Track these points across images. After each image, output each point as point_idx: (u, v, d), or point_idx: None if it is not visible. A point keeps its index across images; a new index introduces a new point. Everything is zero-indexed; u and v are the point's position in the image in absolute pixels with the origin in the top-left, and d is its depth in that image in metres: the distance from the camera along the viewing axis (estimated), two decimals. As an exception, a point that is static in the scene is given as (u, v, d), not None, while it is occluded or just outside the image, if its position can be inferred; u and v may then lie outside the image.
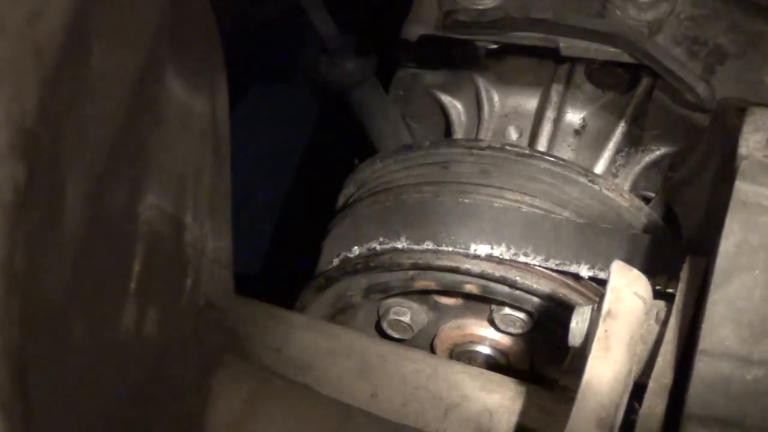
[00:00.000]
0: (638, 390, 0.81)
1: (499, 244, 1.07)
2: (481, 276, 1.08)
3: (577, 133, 1.25)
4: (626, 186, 1.22)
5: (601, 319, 0.79)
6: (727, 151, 0.78)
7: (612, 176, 1.23)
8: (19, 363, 0.55)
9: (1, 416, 0.54)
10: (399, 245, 1.09)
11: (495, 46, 1.17)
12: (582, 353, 0.82)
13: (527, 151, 1.15)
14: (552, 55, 1.15)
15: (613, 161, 1.23)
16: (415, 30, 1.13)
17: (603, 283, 0.88)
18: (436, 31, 1.13)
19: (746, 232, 0.71)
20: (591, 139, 1.24)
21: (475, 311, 1.16)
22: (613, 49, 1.09)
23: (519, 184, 1.13)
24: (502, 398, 1.03)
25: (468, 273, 1.08)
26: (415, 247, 1.09)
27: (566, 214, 1.11)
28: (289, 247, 1.79)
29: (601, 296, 0.81)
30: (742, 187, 0.72)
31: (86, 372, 0.71)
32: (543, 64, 1.25)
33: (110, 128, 0.68)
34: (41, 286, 0.60)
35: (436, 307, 1.17)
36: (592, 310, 0.83)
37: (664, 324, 0.81)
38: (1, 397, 0.54)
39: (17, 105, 0.54)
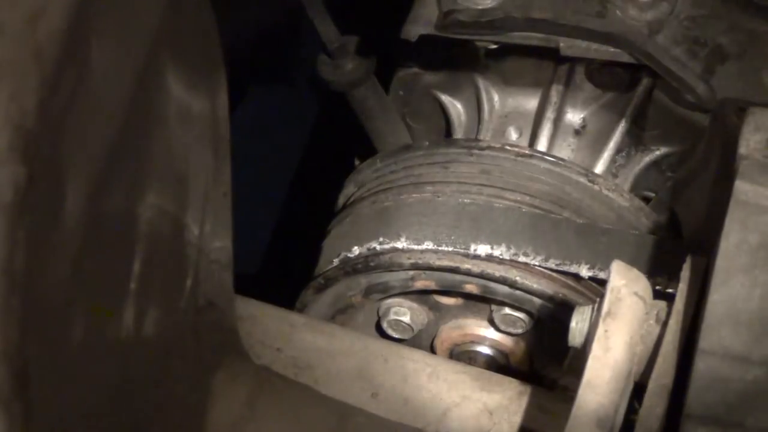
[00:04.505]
0: (638, 390, 0.81)
1: (499, 244, 1.07)
2: (481, 276, 1.08)
3: (577, 133, 1.25)
4: (626, 186, 1.22)
5: (601, 319, 0.79)
6: (727, 151, 0.78)
7: (612, 176, 1.23)
8: (19, 363, 0.55)
9: (1, 416, 0.54)
10: (399, 245, 1.09)
11: (495, 46, 1.17)
12: (582, 353, 0.82)
13: (527, 151, 1.15)
14: (552, 55, 1.15)
15: (613, 161, 1.23)
16: (415, 30, 1.13)
17: (603, 283, 0.88)
18: (436, 31, 1.12)
19: (746, 232, 0.71)
20: (591, 139, 1.24)
21: (475, 311, 1.16)
22: (613, 49, 1.09)
23: (519, 184, 1.13)
24: (502, 398, 1.03)
25: (468, 273, 1.08)
26: (415, 247, 1.09)
27: (566, 214, 1.11)
28: (289, 247, 1.79)
29: (601, 296, 0.81)
30: (742, 187, 0.72)
31: (86, 372, 0.71)
32: (543, 64, 1.24)
33: (110, 128, 0.68)
34: (41, 286, 0.60)
35: (436, 307, 1.17)
36: (592, 310, 0.83)
37: (664, 324, 0.81)
38: (1, 397, 0.54)
39: (17, 105, 0.54)
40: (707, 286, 0.72)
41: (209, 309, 0.94)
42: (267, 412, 0.92)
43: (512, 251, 1.07)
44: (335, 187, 1.28)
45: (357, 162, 1.32)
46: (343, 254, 1.13)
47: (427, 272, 1.10)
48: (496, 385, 1.04)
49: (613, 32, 1.07)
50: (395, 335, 1.17)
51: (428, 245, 1.08)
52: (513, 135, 1.27)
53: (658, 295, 0.84)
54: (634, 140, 1.23)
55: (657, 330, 0.81)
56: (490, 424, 1.01)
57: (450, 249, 1.08)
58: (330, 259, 1.15)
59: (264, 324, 1.07)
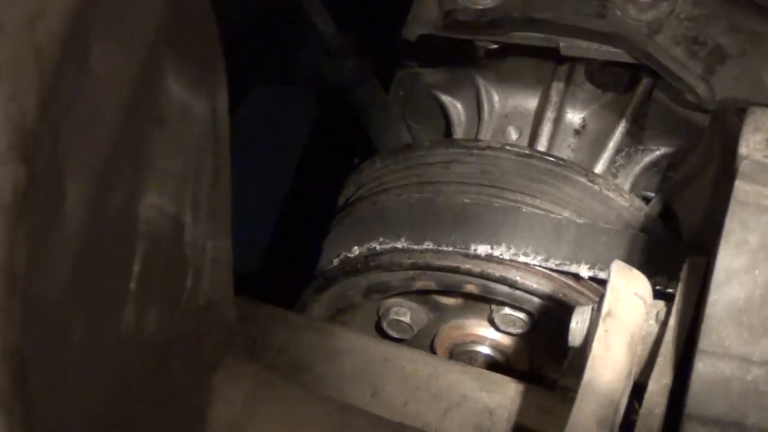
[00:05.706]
0: (638, 390, 0.81)
1: (499, 244, 1.07)
2: (481, 276, 1.08)
3: (577, 133, 1.25)
4: (626, 186, 1.22)
5: (601, 319, 0.79)
6: (727, 151, 0.78)
7: (612, 176, 1.23)
8: (19, 363, 0.55)
9: (1, 416, 0.54)
10: (399, 245, 1.09)
11: (495, 46, 1.17)
12: (582, 353, 0.82)
13: (527, 151, 1.15)
14: (552, 55, 1.15)
15: (613, 161, 1.23)
16: (415, 30, 1.13)
17: (603, 283, 0.88)
18: (436, 31, 1.13)
19: (746, 232, 0.71)
20: (591, 139, 1.24)
21: (475, 311, 1.16)
22: (613, 49, 1.09)
23: (519, 184, 1.13)
24: (502, 398, 1.03)
25: (468, 273, 1.08)
26: (415, 247, 1.09)
27: (566, 214, 1.11)
28: (289, 246, 1.79)
29: (601, 296, 0.81)
30: (742, 187, 0.72)
31: (86, 372, 0.71)
32: (543, 64, 1.25)
33: (110, 128, 0.68)
34: (41, 286, 0.60)
35: (436, 307, 1.17)
36: (592, 310, 0.83)
37: (664, 324, 0.81)
38: (1, 397, 0.54)
39: (17, 105, 0.54)
40: (707, 286, 0.72)
41: (209, 309, 0.94)
42: (266, 412, 0.92)
43: (512, 251, 1.07)
44: (335, 187, 1.28)
45: (357, 162, 1.32)
46: (343, 254, 1.13)
47: (427, 272, 1.10)
48: (496, 385, 1.04)
49: (613, 32, 1.07)
50: (395, 335, 1.17)
51: (428, 245, 1.08)
52: (513, 135, 1.27)
53: (658, 295, 0.84)
54: (634, 140, 1.23)
55: (657, 330, 0.81)
56: (490, 424, 1.01)
57: (450, 249, 1.08)
58: (330, 259, 1.15)
59: (264, 324, 1.07)
